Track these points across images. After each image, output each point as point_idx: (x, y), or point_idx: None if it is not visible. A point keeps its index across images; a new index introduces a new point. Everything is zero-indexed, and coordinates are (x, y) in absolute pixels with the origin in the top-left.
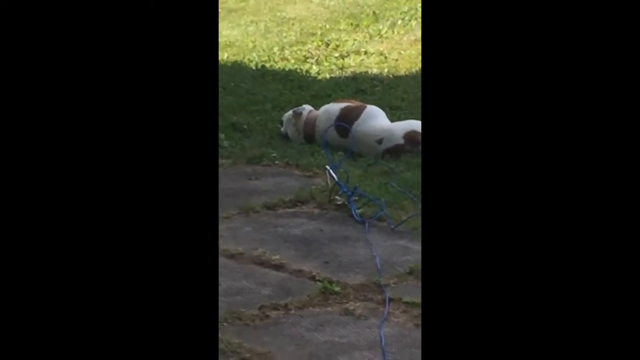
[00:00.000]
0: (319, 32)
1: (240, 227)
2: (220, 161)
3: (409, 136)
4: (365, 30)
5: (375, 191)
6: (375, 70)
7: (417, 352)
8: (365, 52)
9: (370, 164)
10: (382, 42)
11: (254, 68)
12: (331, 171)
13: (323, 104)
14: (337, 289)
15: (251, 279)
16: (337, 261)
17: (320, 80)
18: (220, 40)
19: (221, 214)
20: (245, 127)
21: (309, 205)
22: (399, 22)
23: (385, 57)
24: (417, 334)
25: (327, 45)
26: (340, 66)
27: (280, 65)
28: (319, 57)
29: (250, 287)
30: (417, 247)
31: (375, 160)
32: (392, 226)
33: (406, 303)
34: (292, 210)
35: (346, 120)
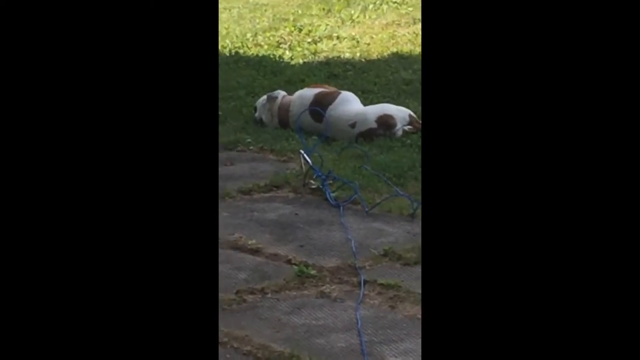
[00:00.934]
0: (291, 18)
1: None
2: None
3: (382, 120)
4: (337, 15)
5: (349, 175)
6: (347, 55)
7: (393, 333)
8: (338, 37)
9: (344, 147)
10: (354, 26)
11: (227, 54)
12: (305, 155)
13: (296, 89)
14: (312, 272)
15: (227, 264)
16: (313, 244)
17: (293, 66)
18: None
19: None
20: (220, 113)
21: (284, 189)
22: (370, 6)
23: (357, 42)
24: (393, 316)
25: (300, 30)
26: (313, 51)
27: (253, 51)
28: (291, 42)
29: (226, 272)
30: (391, 229)
31: (348, 144)
32: (367, 209)
33: (381, 285)
34: (267, 195)
35: (320, 105)
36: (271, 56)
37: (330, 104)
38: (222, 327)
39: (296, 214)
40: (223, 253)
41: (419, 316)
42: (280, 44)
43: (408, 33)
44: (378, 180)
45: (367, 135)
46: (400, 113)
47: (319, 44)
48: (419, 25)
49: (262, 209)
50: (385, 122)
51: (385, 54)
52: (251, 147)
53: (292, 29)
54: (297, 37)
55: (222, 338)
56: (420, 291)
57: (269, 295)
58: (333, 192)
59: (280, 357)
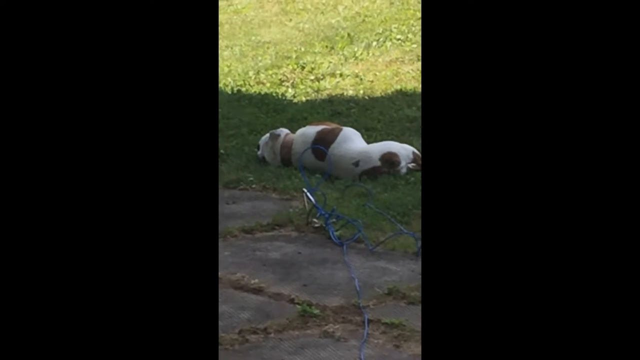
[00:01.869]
0: (294, 55)
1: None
2: None
3: (386, 158)
4: (340, 53)
5: (352, 213)
6: (350, 92)
7: None
8: (341, 74)
9: (347, 186)
10: (357, 64)
11: (229, 92)
12: (308, 194)
13: (299, 127)
14: (316, 311)
15: (230, 303)
16: (316, 284)
17: (296, 104)
18: None
19: None
20: (222, 151)
21: (287, 228)
22: (374, 43)
23: (361, 79)
24: (397, 355)
25: (303, 68)
26: (316, 89)
27: (255, 89)
28: (294, 80)
29: (229, 312)
30: (395, 268)
31: (352, 182)
32: (371, 247)
33: (385, 324)
34: (270, 233)
35: (322, 143)
36: (274, 94)
37: (332, 141)
38: None
39: (299, 252)
40: (225, 292)
41: None
42: (283, 81)
43: (412, 70)
44: (382, 218)
45: (371, 174)
46: (404, 151)
47: (322, 82)
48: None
49: (265, 247)
50: (389, 160)
51: (388, 91)
52: (254, 186)
53: (295, 66)
54: (299, 75)
55: None
56: None
57: (272, 335)
58: (336, 230)
59: None
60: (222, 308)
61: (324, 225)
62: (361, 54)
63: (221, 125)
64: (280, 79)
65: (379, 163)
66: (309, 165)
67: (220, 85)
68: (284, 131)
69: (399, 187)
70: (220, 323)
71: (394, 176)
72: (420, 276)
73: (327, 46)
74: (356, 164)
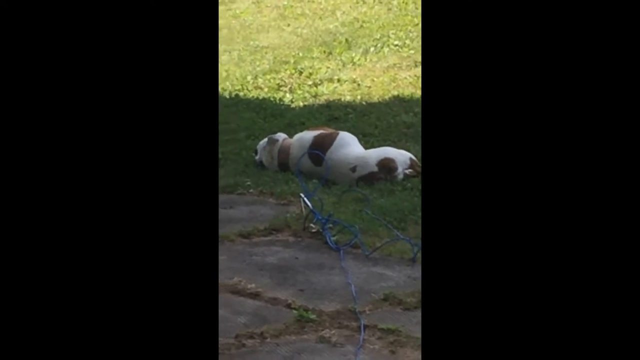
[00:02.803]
0: (292, 60)
1: None
2: None
3: (383, 163)
4: (338, 58)
5: (349, 218)
6: (348, 98)
7: None
8: (338, 80)
9: (344, 191)
10: (355, 69)
11: (227, 97)
12: (305, 199)
13: (297, 132)
14: (312, 316)
15: (227, 308)
16: (313, 289)
17: (293, 109)
18: None
19: None
20: (220, 156)
21: (284, 233)
22: (372, 49)
23: (358, 85)
24: None
25: (301, 73)
26: (314, 94)
27: (253, 94)
28: (292, 85)
29: (225, 316)
30: (391, 273)
31: (349, 188)
32: (367, 253)
33: (381, 330)
34: (267, 238)
35: (320, 148)
36: (271, 99)
37: (329, 146)
38: None
39: (296, 257)
40: (222, 297)
41: None
42: (281, 86)
43: (409, 76)
44: (379, 224)
45: (368, 179)
46: (401, 157)
47: (319, 87)
48: (421, 68)
49: (262, 252)
50: (386, 166)
51: (386, 97)
52: (251, 190)
53: (293, 71)
54: (297, 80)
55: None
56: (420, 336)
57: (268, 340)
58: (333, 235)
59: None
60: (219, 312)
61: (320, 230)
62: (359, 59)
63: (219, 129)
64: (278, 84)
65: (376, 169)
66: (306, 170)
67: (219, 89)
68: (281, 136)
69: (395, 193)
70: None
71: (391, 182)
72: (416, 282)
73: (325, 51)
74: (353, 169)
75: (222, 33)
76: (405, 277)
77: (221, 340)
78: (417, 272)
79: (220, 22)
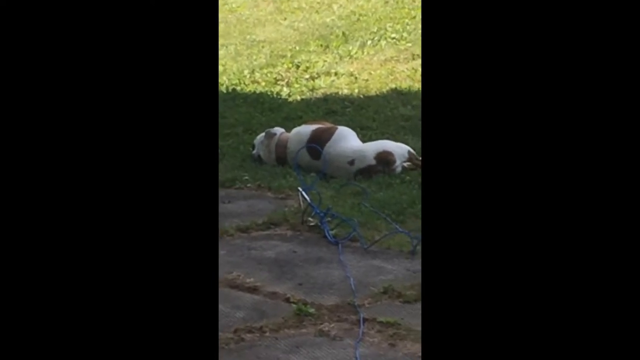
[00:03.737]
0: (288, 54)
1: None
2: None
3: (381, 156)
4: (335, 51)
5: (347, 212)
6: (345, 91)
7: None
8: (336, 73)
9: (342, 185)
10: (352, 62)
11: (224, 91)
12: (304, 193)
13: (294, 126)
14: (311, 310)
15: (225, 302)
16: (311, 282)
17: (291, 102)
18: None
19: None
20: None
21: (282, 227)
22: (369, 42)
23: (356, 78)
24: (393, 354)
25: (297, 67)
26: (311, 88)
27: (250, 88)
28: (289, 79)
29: (224, 311)
30: (390, 266)
31: (347, 181)
32: (366, 246)
33: (381, 323)
34: (265, 232)
35: (317, 142)
36: (269, 93)
37: (327, 140)
38: None
39: (294, 251)
40: (221, 291)
41: (419, 354)
42: (278, 80)
43: (407, 69)
44: (377, 217)
45: (366, 173)
46: (400, 150)
47: (316, 81)
48: (418, 61)
49: (260, 246)
50: (385, 159)
51: (383, 90)
52: (249, 185)
53: (290, 65)
54: (294, 74)
55: None
56: (420, 329)
57: (268, 334)
58: (332, 229)
59: None
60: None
61: (319, 224)
62: (356, 52)
63: None
64: (275, 78)
65: (374, 162)
66: (304, 164)
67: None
68: (279, 130)
69: (394, 186)
70: None
71: (389, 175)
72: (415, 275)
73: (322, 45)
74: (351, 162)
75: (219, 27)
76: (404, 270)
77: (220, 334)
78: (416, 265)
79: None
